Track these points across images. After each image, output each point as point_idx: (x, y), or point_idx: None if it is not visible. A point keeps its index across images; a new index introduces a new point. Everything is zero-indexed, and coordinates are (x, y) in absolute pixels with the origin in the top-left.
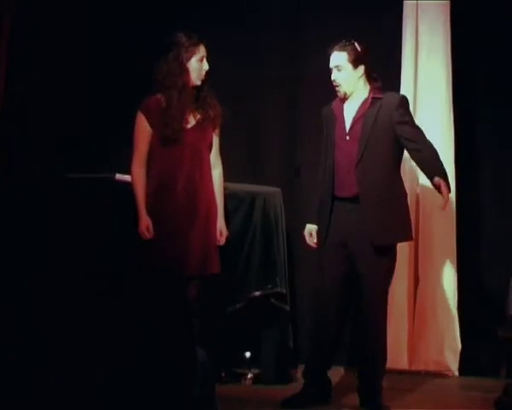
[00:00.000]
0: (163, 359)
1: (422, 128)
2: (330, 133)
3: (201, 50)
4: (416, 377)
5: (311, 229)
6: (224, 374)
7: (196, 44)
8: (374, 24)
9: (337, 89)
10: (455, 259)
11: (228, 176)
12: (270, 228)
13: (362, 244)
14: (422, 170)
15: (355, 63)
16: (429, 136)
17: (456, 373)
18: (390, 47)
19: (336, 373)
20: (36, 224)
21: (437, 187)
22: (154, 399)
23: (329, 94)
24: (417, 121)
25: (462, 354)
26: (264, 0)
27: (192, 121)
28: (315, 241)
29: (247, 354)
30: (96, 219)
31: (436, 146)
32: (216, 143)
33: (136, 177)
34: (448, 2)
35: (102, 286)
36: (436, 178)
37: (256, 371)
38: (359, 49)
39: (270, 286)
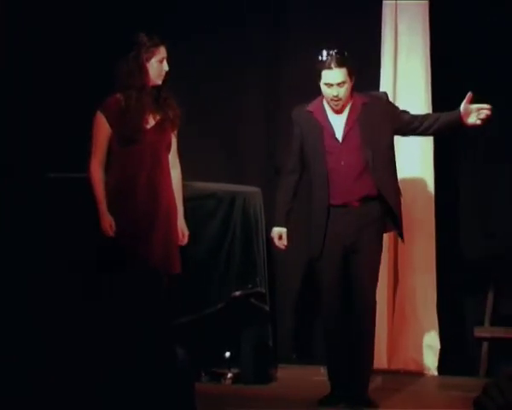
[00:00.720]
0: (142, 358)
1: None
2: (316, 142)
3: (162, 51)
4: (395, 377)
5: (280, 231)
6: (203, 374)
7: (157, 45)
8: (353, 24)
9: (336, 103)
10: (434, 259)
11: (208, 176)
12: (249, 228)
13: (359, 245)
14: (443, 122)
15: (351, 75)
16: (409, 140)
17: (435, 373)
18: (369, 47)
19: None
20: (18, 223)
21: (470, 102)
22: (134, 398)
23: (310, 95)
24: None
25: (441, 353)
26: (246, 1)
27: (152, 122)
28: (285, 243)
29: (227, 354)
30: (77, 217)
31: (415, 148)
32: (174, 144)
33: (95, 177)
34: (427, 2)
35: (86, 284)
36: (462, 104)
37: (236, 370)
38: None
39: (250, 286)
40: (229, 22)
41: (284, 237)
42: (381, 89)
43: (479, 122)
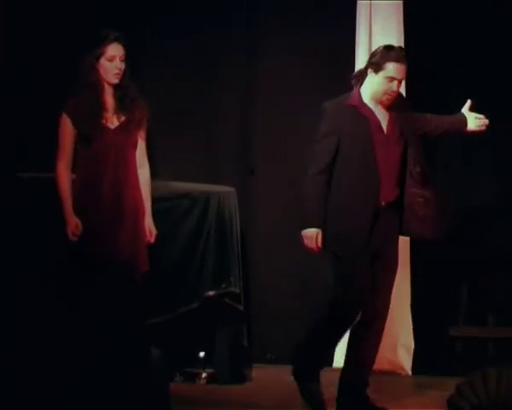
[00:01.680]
0: (116, 360)
1: None
2: (363, 135)
3: (111, 49)
4: (370, 377)
5: (316, 232)
6: (178, 374)
7: (107, 43)
8: (328, 24)
9: (389, 98)
10: (408, 259)
11: (183, 175)
12: (224, 228)
13: (390, 247)
14: (450, 125)
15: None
16: None
17: (410, 372)
18: (344, 47)
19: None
20: None
21: (470, 109)
22: (108, 399)
23: (283, 94)
24: None
25: (415, 353)
26: (220, 2)
27: (115, 122)
28: (319, 245)
29: (201, 354)
30: (45, 218)
31: None
32: (142, 144)
33: (61, 178)
34: (401, 2)
35: (55, 286)
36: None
37: (210, 370)
38: None
39: (224, 286)
40: (204, 22)
41: (320, 238)
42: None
43: (478, 130)
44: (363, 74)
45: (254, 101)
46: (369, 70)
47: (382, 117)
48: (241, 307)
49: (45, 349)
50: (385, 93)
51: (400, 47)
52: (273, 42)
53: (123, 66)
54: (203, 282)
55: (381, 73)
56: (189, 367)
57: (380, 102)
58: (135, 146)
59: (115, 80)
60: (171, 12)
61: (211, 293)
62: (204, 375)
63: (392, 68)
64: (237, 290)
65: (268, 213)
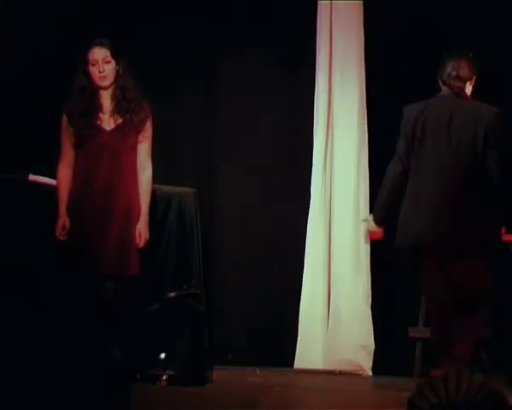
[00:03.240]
0: (77, 359)
1: (337, 137)
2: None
3: (93, 54)
4: (329, 377)
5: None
6: (138, 375)
7: (89, 49)
8: (289, 23)
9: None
10: (368, 260)
11: None
12: (185, 229)
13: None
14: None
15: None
16: (343, 146)
17: (370, 373)
18: (304, 46)
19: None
20: None
21: None
22: (69, 399)
23: (244, 93)
24: (333, 122)
25: (375, 353)
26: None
27: (111, 124)
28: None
29: (162, 356)
30: (8, 220)
31: (350, 156)
32: (144, 146)
33: (59, 178)
34: (361, 2)
35: (15, 287)
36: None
37: (171, 372)
38: None
39: (185, 287)
40: (162, 19)
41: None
42: (317, 88)
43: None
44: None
45: (215, 101)
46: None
47: None
48: (203, 309)
49: (8, 349)
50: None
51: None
52: (233, 41)
53: (107, 67)
54: (164, 283)
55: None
56: (149, 369)
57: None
58: (132, 149)
59: (102, 83)
60: (134, 11)
61: (172, 294)
62: (165, 377)
63: (456, 65)
64: (198, 292)
65: (229, 214)
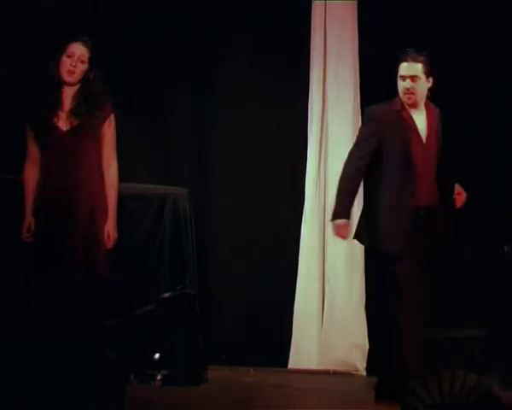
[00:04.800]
0: (71, 362)
1: (331, 133)
2: (401, 141)
3: (73, 47)
4: (324, 377)
5: (346, 223)
6: (133, 375)
7: (71, 41)
8: (284, 24)
9: (408, 96)
10: (363, 260)
11: (137, 177)
12: (179, 229)
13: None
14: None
15: (428, 74)
16: (339, 138)
17: (364, 373)
18: (299, 47)
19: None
20: None
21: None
22: (63, 400)
23: (240, 94)
24: (328, 124)
25: (369, 353)
26: None
27: (67, 125)
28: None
29: (157, 356)
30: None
31: (344, 157)
32: (108, 145)
33: (25, 179)
34: (355, 2)
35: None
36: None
37: (165, 372)
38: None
39: (179, 287)
40: (160, 22)
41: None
42: (311, 89)
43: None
44: None
45: (210, 101)
46: None
47: (422, 124)
48: (197, 309)
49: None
50: (402, 93)
51: (415, 48)
52: (230, 40)
53: (80, 66)
54: (159, 284)
55: (398, 76)
56: (144, 369)
57: (407, 104)
58: (93, 150)
59: (67, 77)
60: (129, 13)
61: (166, 295)
62: (159, 377)
63: (401, 67)
64: (193, 292)
65: (224, 214)
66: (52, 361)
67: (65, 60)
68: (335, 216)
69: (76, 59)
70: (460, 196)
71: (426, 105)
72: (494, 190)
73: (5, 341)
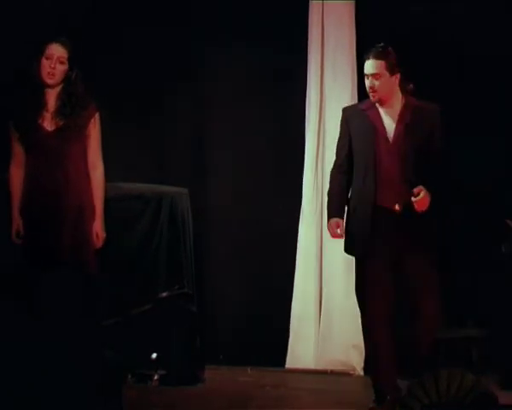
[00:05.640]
0: (67, 361)
1: (329, 132)
2: (365, 139)
3: (50, 48)
4: (321, 377)
5: (337, 221)
6: (130, 375)
7: (49, 43)
8: (281, 23)
9: (373, 95)
10: None
11: (135, 176)
12: (177, 229)
13: (413, 259)
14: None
15: (392, 70)
16: (336, 137)
17: (362, 373)
18: (297, 47)
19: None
20: None
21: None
22: (60, 400)
23: (237, 93)
24: (325, 123)
25: (366, 353)
26: None
27: (53, 125)
28: (342, 233)
29: (154, 355)
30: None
31: None
32: (92, 146)
33: (10, 178)
34: (353, 3)
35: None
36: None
37: (163, 371)
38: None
39: (177, 287)
40: (156, 20)
41: (342, 226)
42: (309, 89)
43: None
44: None
45: (208, 100)
46: None
47: (390, 123)
48: (195, 309)
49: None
50: (368, 91)
51: (381, 44)
52: (226, 40)
53: (59, 67)
54: (156, 283)
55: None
56: (141, 369)
57: (375, 102)
58: (78, 150)
59: (48, 79)
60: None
61: (164, 294)
62: (156, 376)
63: (365, 65)
64: (190, 292)
65: (221, 214)
66: (46, 361)
67: (44, 62)
68: (328, 217)
69: (55, 60)
70: (420, 199)
71: (406, 102)
72: (494, 190)
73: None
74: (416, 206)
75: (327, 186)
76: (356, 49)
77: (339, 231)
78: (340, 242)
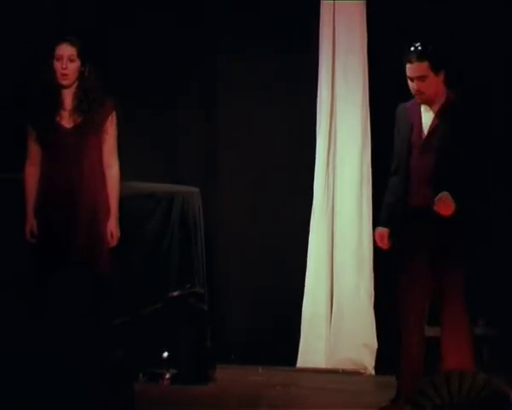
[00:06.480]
0: (79, 360)
1: (340, 132)
2: (403, 138)
3: (59, 49)
4: (332, 376)
5: (381, 231)
6: (141, 374)
7: (57, 44)
8: (292, 24)
9: (419, 97)
10: (371, 259)
11: (146, 176)
12: (188, 228)
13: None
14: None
15: (437, 69)
16: (347, 137)
17: (373, 372)
18: (308, 47)
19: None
20: None
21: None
22: (72, 399)
23: (248, 93)
24: (336, 124)
25: (378, 352)
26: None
27: (71, 123)
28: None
29: (165, 354)
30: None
31: (353, 156)
32: (108, 144)
33: (26, 179)
34: (364, 3)
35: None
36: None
37: (174, 371)
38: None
39: (188, 286)
40: (166, 21)
41: (385, 237)
42: (320, 90)
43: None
44: None
45: (219, 100)
46: None
47: (427, 122)
48: (206, 307)
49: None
50: (413, 93)
51: (419, 45)
52: (237, 41)
53: (70, 66)
54: (167, 282)
55: (407, 76)
56: (152, 368)
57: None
58: (94, 147)
59: (62, 81)
60: (140, 11)
61: (175, 293)
62: (168, 375)
63: (406, 69)
64: (201, 291)
65: (233, 214)
66: (57, 361)
67: (56, 64)
68: (377, 223)
69: (65, 61)
70: (440, 203)
71: (446, 97)
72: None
73: (12, 341)
74: (435, 208)
75: (338, 186)
76: (367, 49)
77: (382, 242)
78: (351, 242)
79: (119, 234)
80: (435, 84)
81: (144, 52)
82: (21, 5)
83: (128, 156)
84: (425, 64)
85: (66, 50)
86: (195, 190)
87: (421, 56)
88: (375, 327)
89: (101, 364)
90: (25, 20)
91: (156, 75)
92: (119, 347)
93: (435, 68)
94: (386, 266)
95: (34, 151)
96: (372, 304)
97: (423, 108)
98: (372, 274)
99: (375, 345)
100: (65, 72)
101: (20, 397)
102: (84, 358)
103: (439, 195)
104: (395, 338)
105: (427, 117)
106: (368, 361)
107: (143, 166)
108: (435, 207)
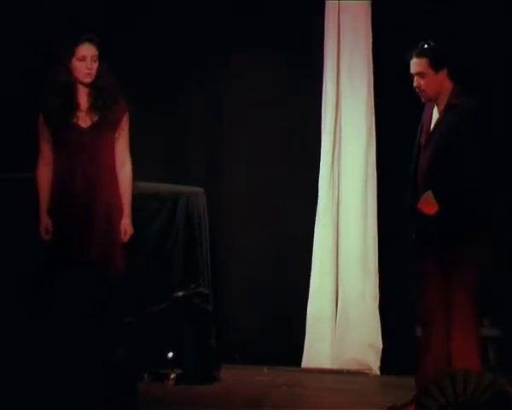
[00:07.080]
0: (84, 359)
1: (345, 130)
2: (417, 139)
3: (82, 50)
4: (337, 377)
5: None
6: (146, 374)
7: (78, 43)
8: (297, 24)
9: (421, 93)
10: (376, 259)
11: (151, 176)
12: (193, 228)
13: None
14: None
15: (436, 67)
16: (352, 136)
17: (378, 372)
18: (313, 47)
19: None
20: None
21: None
22: (77, 398)
23: (252, 93)
24: (341, 122)
25: (383, 352)
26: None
27: (88, 122)
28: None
29: (170, 355)
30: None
31: (358, 155)
32: (121, 143)
33: (39, 179)
34: (369, 2)
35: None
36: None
37: (179, 371)
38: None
39: (192, 286)
40: (173, 21)
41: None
42: (325, 88)
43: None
44: None
45: (223, 101)
46: None
47: (435, 115)
48: (210, 308)
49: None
50: (417, 90)
51: (421, 42)
52: (244, 40)
53: (95, 66)
54: (171, 282)
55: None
56: (157, 368)
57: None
58: (109, 146)
59: (87, 79)
60: (142, 12)
61: (180, 293)
62: (172, 375)
63: (410, 65)
64: (206, 291)
65: (237, 214)
66: (63, 361)
67: (77, 64)
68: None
69: (89, 61)
70: (423, 202)
71: (449, 97)
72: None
73: (20, 340)
74: (422, 210)
75: (343, 185)
76: (372, 47)
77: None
78: (356, 241)
79: (132, 231)
80: (436, 82)
81: (144, 52)
82: (21, 5)
83: (133, 157)
84: (424, 61)
85: (89, 51)
86: (200, 190)
87: (420, 53)
88: (380, 327)
89: (110, 364)
90: (24, 19)
91: (158, 75)
92: (125, 346)
93: (435, 66)
94: (390, 266)
95: (47, 152)
96: (377, 304)
97: (435, 108)
98: (377, 275)
99: (380, 345)
100: (90, 72)
101: (25, 397)
102: (93, 358)
103: (424, 194)
104: (414, 337)
105: (434, 117)
106: (373, 362)
107: (148, 166)
108: (419, 206)
